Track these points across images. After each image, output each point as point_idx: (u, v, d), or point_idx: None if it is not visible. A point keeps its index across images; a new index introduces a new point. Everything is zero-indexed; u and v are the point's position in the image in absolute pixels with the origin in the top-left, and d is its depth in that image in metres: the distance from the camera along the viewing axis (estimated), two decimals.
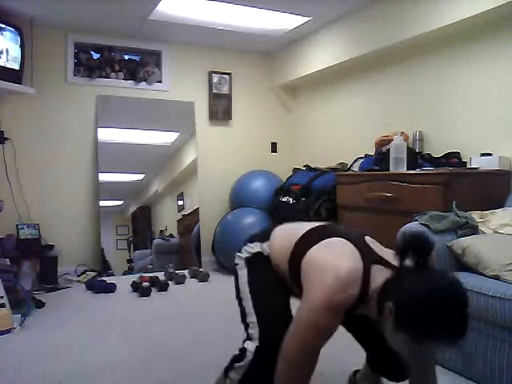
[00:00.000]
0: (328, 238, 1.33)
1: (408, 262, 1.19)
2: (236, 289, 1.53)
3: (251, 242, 1.55)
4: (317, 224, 1.46)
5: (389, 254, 1.27)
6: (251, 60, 4.85)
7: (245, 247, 1.56)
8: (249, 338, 1.40)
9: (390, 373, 1.62)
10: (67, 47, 4.11)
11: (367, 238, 1.35)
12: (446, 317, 1.08)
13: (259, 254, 1.51)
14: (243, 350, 1.38)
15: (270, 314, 1.41)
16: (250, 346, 1.36)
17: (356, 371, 1.86)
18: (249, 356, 1.35)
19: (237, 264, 1.55)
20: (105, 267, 4.09)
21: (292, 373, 1.25)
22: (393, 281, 1.18)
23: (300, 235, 1.40)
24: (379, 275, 1.22)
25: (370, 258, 1.24)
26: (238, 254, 1.56)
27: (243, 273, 1.51)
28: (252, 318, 1.41)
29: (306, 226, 1.44)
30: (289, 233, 1.47)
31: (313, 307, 1.20)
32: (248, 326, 1.42)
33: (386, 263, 1.25)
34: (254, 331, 1.38)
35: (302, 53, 4.38)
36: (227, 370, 1.43)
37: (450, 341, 1.12)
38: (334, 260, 1.23)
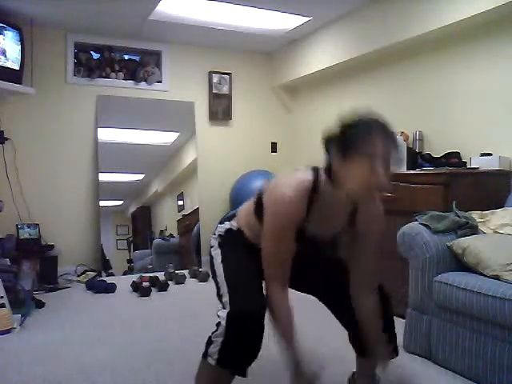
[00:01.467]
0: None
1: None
2: (211, 270, 1.60)
3: (221, 223, 1.68)
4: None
5: None
6: (251, 60, 4.85)
7: (216, 230, 1.67)
8: (223, 307, 1.44)
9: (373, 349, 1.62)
10: (67, 47, 4.11)
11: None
12: (370, 125, 1.30)
13: (229, 230, 1.63)
14: (218, 322, 1.40)
15: (240, 281, 1.48)
16: (222, 313, 1.39)
17: (354, 372, 1.88)
18: (222, 323, 1.37)
19: (212, 247, 1.64)
20: (105, 266, 4.09)
21: (270, 260, 1.41)
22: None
23: (253, 199, 1.58)
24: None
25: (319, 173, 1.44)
26: (212, 236, 1.67)
27: (217, 253, 1.59)
28: (224, 288, 1.47)
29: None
30: (248, 203, 1.63)
31: (276, 201, 1.38)
32: (221, 297, 1.47)
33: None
34: (226, 299, 1.43)
35: (302, 53, 4.38)
36: (206, 346, 1.43)
37: (384, 143, 1.26)
38: (285, 177, 1.46)
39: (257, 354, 1.38)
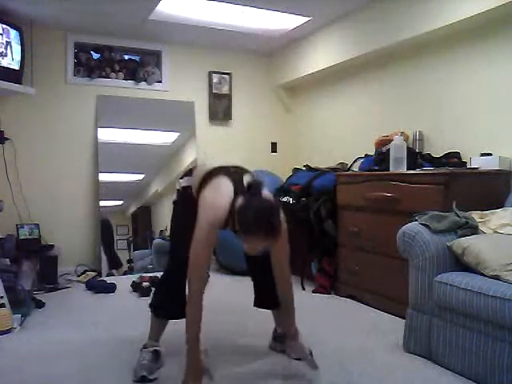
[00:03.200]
0: (218, 176, 1.89)
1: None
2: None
3: (181, 179, 2.12)
4: (216, 165, 2.00)
5: None
6: (251, 60, 4.86)
7: (176, 184, 2.14)
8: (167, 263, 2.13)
9: (267, 301, 2.19)
10: (67, 47, 4.11)
11: (246, 175, 1.94)
12: (258, 221, 1.70)
13: (184, 188, 2.06)
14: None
15: (180, 239, 1.98)
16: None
17: (275, 327, 2.33)
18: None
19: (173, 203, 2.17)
20: (112, 263, 4.12)
21: (194, 258, 1.79)
22: (241, 203, 1.76)
23: (204, 172, 1.96)
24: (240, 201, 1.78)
25: (238, 191, 1.82)
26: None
27: (172, 209, 2.15)
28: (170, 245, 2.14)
29: (210, 166, 1.99)
30: (202, 169, 2.02)
31: (201, 228, 1.79)
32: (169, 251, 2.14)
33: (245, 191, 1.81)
34: (168, 257, 2.12)
35: (302, 53, 4.38)
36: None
37: (265, 234, 1.70)
38: (214, 197, 1.83)
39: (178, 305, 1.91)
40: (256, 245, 1.75)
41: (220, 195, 1.83)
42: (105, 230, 4.15)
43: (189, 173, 2.13)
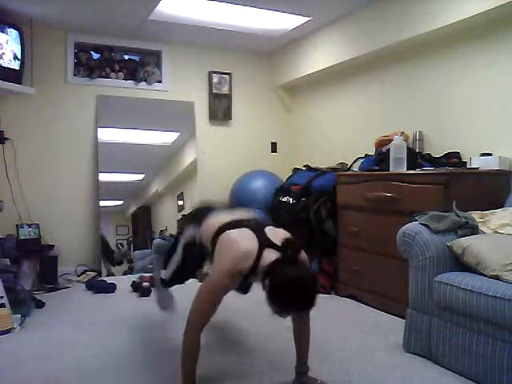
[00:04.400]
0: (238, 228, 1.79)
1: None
2: (169, 253, 2.32)
3: (191, 225, 2.12)
4: (232, 218, 1.91)
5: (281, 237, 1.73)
6: (251, 60, 4.86)
7: (186, 229, 2.16)
8: (165, 272, 2.38)
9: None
10: (67, 47, 4.11)
11: (267, 228, 1.78)
12: (294, 302, 1.59)
13: (193, 240, 2.07)
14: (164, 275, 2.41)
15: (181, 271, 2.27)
16: (165, 274, 2.39)
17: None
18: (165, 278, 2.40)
19: (177, 238, 2.26)
20: (108, 258, 4.12)
21: (200, 307, 1.73)
22: (273, 265, 1.63)
23: (222, 223, 1.86)
24: (268, 256, 1.66)
25: (263, 243, 1.69)
26: (179, 234, 2.24)
27: (179, 250, 2.21)
28: (170, 268, 2.32)
29: (225, 218, 1.90)
30: (217, 219, 1.93)
31: (220, 271, 1.68)
32: (167, 266, 2.35)
33: (276, 246, 1.69)
34: (169, 274, 2.35)
35: (302, 53, 4.38)
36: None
37: (297, 313, 1.69)
38: (237, 241, 1.72)
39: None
40: (286, 316, 1.69)
41: (246, 241, 1.70)
42: (104, 247, 4.17)
43: (195, 218, 2.13)
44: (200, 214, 2.11)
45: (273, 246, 1.70)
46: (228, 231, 1.78)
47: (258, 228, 1.78)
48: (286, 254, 1.64)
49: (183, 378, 1.73)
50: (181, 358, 1.74)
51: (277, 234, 1.75)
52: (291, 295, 1.57)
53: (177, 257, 2.24)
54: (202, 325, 1.71)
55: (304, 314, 1.75)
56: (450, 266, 2.13)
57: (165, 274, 2.38)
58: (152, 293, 3.41)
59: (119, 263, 4.19)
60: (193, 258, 2.18)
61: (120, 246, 4.20)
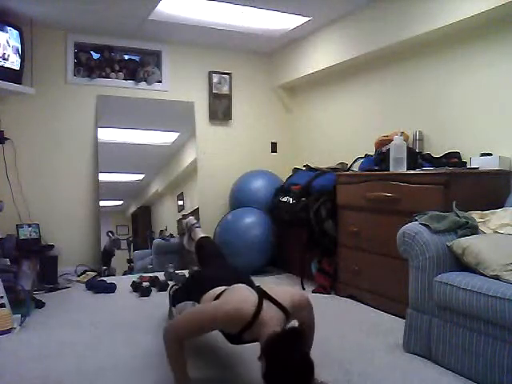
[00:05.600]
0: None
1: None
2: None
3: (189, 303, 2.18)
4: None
5: (282, 297, 1.73)
6: (251, 60, 4.86)
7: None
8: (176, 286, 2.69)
9: None
10: (67, 47, 4.11)
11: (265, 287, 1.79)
12: None
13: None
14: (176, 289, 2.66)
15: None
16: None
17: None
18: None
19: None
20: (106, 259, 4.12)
21: (186, 325, 1.74)
22: (271, 342, 1.54)
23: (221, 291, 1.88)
24: (269, 310, 1.66)
25: (260, 295, 1.71)
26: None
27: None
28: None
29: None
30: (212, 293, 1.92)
31: (221, 307, 1.69)
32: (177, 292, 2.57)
33: (275, 302, 1.70)
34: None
35: (302, 53, 4.38)
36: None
37: None
38: (243, 292, 1.77)
39: None
40: None
41: (249, 293, 1.74)
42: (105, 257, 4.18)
43: (190, 297, 2.18)
44: (196, 290, 2.11)
45: (271, 299, 1.70)
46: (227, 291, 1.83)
47: (258, 289, 1.79)
48: (285, 329, 1.62)
49: (176, 380, 1.78)
50: (172, 370, 1.78)
51: (276, 293, 1.75)
52: (285, 380, 1.49)
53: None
54: (180, 339, 1.73)
55: None
56: (450, 266, 2.13)
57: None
58: (152, 292, 3.43)
59: (111, 254, 4.17)
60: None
61: (110, 234, 4.19)
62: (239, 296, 1.74)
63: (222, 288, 1.90)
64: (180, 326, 1.74)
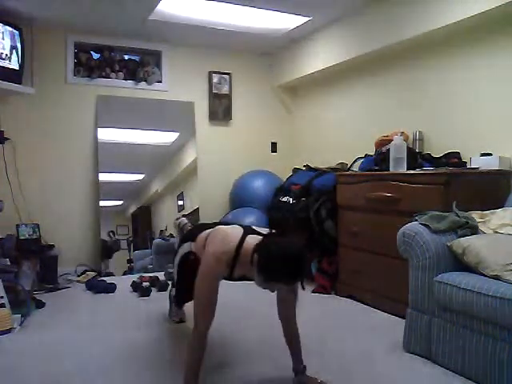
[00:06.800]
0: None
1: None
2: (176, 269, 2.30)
3: (186, 242, 2.16)
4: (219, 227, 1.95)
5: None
6: (251, 60, 4.86)
7: (182, 246, 2.19)
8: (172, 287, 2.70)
9: None
10: (67, 47, 4.11)
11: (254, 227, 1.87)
12: (284, 270, 1.59)
13: (188, 253, 2.13)
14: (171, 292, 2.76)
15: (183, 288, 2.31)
16: (173, 292, 2.66)
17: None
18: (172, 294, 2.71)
19: (174, 259, 2.27)
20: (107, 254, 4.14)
21: (201, 308, 1.76)
22: (262, 241, 1.69)
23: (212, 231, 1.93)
24: (252, 240, 1.72)
25: (247, 231, 1.80)
26: (178, 252, 2.23)
27: (176, 268, 2.27)
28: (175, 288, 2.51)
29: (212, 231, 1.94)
30: (208, 232, 1.97)
31: (207, 259, 1.77)
32: (173, 283, 2.63)
33: (260, 234, 1.79)
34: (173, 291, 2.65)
35: (302, 53, 4.38)
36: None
37: (287, 283, 1.66)
38: (222, 229, 1.86)
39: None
40: (275, 287, 1.72)
41: (234, 232, 1.80)
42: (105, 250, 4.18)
43: (189, 236, 2.19)
44: (193, 232, 2.18)
45: (258, 233, 1.79)
46: (215, 230, 1.90)
47: (245, 227, 1.86)
48: (272, 233, 1.74)
49: (187, 380, 1.75)
50: (186, 361, 1.76)
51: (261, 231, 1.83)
52: (279, 263, 1.58)
53: (175, 275, 2.34)
54: (207, 327, 1.73)
55: (293, 286, 1.72)
56: (450, 266, 2.13)
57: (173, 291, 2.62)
58: (152, 292, 3.43)
59: (111, 254, 4.17)
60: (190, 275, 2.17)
61: (111, 235, 4.19)
62: (220, 239, 1.79)
63: (208, 231, 1.96)
64: (201, 307, 1.75)
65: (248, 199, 4.26)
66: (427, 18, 3.01)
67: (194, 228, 2.44)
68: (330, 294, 3.41)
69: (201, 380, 1.78)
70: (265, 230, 1.85)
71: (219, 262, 1.73)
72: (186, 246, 2.15)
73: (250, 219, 4.01)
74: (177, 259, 2.24)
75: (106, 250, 4.14)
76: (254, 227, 1.88)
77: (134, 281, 3.56)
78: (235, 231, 1.81)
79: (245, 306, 3.04)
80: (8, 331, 2.52)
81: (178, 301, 2.62)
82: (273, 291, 1.76)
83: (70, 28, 4.06)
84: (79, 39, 4.17)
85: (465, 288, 1.93)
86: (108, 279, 3.75)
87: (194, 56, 4.60)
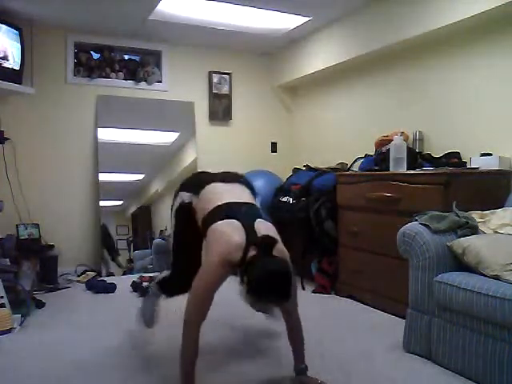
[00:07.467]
0: (229, 218, 1.79)
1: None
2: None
3: (187, 191, 2.07)
4: (227, 200, 1.88)
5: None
6: (251, 60, 4.86)
7: (181, 194, 2.09)
8: (167, 268, 2.31)
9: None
10: (67, 47, 4.11)
11: (257, 222, 1.80)
12: (270, 294, 1.62)
13: (186, 204, 2.03)
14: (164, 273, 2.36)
15: (181, 260, 2.16)
16: (167, 272, 2.30)
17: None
18: (165, 273, 2.33)
19: (171, 210, 2.15)
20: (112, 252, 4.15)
21: (195, 301, 1.74)
22: (250, 263, 1.66)
23: (215, 206, 1.86)
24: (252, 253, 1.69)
25: (251, 240, 1.71)
26: (175, 199, 2.12)
27: (172, 221, 2.15)
28: (170, 257, 2.22)
29: (221, 198, 1.89)
30: (212, 198, 1.93)
31: (211, 263, 1.73)
32: (169, 258, 2.24)
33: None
34: (169, 266, 2.26)
35: (302, 53, 4.38)
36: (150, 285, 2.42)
37: (275, 304, 1.72)
38: (227, 234, 1.74)
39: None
40: (267, 307, 1.76)
41: (236, 234, 1.73)
42: (105, 237, 4.17)
43: (190, 187, 2.09)
44: (198, 182, 2.09)
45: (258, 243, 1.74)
46: (218, 222, 1.78)
47: (247, 221, 1.78)
48: (260, 249, 1.68)
49: (182, 379, 1.72)
50: (179, 358, 1.72)
51: (261, 229, 1.76)
52: (264, 288, 1.60)
53: (171, 230, 2.19)
54: (199, 320, 1.72)
55: (283, 305, 1.74)
56: (450, 266, 2.13)
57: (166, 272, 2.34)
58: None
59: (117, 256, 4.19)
60: (187, 232, 2.08)
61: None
62: (228, 242, 1.72)
63: (216, 201, 1.87)
64: (195, 302, 1.73)
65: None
66: (427, 17, 3.01)
67: (197, 177, 2.30)
68: (329, 294, 3.41)
69: (200, 380, 1.78)
70: (260, 232, 1.74)
71: (224, 270, 1.71)
72: (187, 197, 2.04)
73: None
74: (174, 209, 2.12)
75: (113, 251, 4.15)
76: (256, 226, 1.77)
77: (133, 281, 3.56)
78: (238, 238, 1.72)
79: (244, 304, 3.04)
80: (8, 331, 2.52)
81: (169, 285, 2.30)
82: (267, 312, 1.78)
83: (70, 28, 4.06)
84: (79, 39, 4.17)
85: (465, 288, 1.93)
86: (108, 279, 3.75)
87: (193, 56, 4.60)
